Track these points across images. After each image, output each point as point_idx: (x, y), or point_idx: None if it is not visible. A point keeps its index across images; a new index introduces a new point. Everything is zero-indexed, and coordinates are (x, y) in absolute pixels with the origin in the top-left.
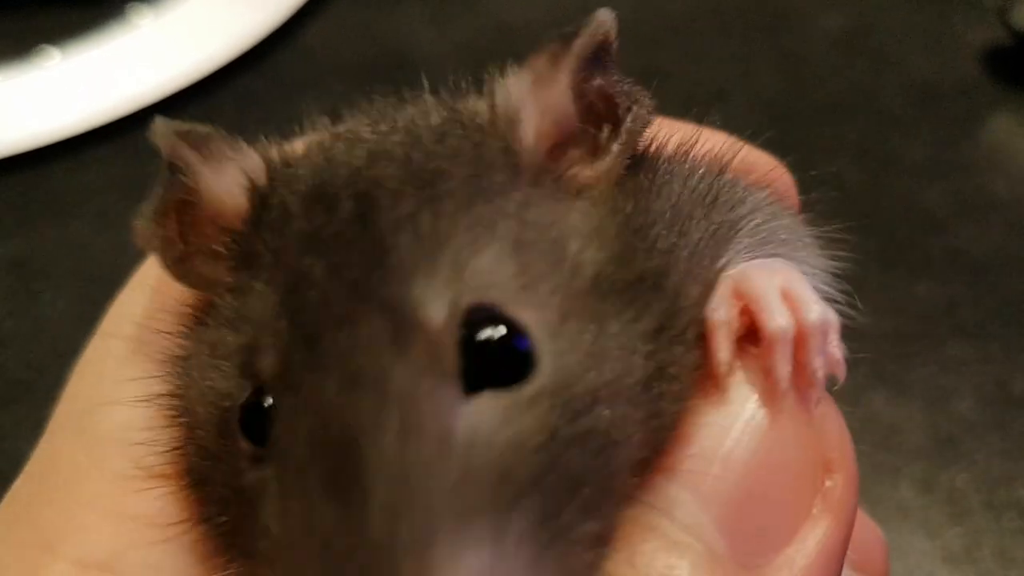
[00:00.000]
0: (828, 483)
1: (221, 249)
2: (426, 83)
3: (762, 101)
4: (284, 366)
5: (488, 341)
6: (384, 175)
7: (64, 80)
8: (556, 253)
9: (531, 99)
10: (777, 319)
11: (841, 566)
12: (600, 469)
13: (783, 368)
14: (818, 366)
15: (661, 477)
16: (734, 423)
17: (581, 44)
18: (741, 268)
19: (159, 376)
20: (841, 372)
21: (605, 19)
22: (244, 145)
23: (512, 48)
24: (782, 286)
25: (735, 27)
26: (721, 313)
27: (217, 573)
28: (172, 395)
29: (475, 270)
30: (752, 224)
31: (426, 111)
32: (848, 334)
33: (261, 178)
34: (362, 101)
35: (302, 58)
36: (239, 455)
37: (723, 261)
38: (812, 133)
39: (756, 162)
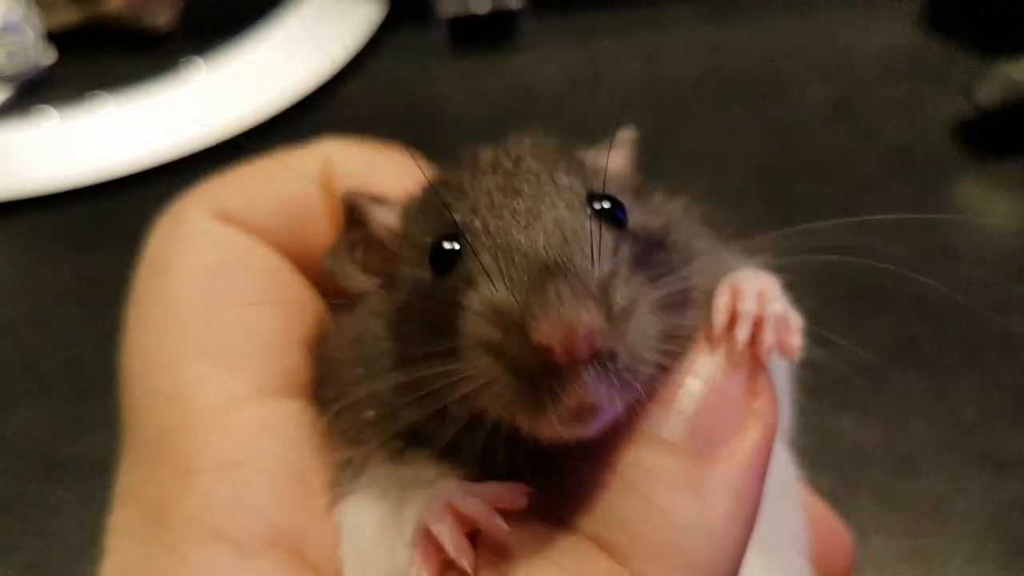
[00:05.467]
0: (755, 404)
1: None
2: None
3: (753, 162)
4: (475, 213)
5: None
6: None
7: (123, 124)
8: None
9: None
10: (748, 305)
11: (767, 461)
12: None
13: (742, 335)
14: (769, 342)
15: (655, 407)
16: (704, 368)
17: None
18: (738, 272)
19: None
20: (794, 355)
21: (628, 136)
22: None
23: (531, 106)
24: (760, 287)
25: (732, 96)
26: (720, 299)
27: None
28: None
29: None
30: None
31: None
32: (820, 365)
33: (398, 212)
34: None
35: (343, 111)
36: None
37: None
38: (796, 192)
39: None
